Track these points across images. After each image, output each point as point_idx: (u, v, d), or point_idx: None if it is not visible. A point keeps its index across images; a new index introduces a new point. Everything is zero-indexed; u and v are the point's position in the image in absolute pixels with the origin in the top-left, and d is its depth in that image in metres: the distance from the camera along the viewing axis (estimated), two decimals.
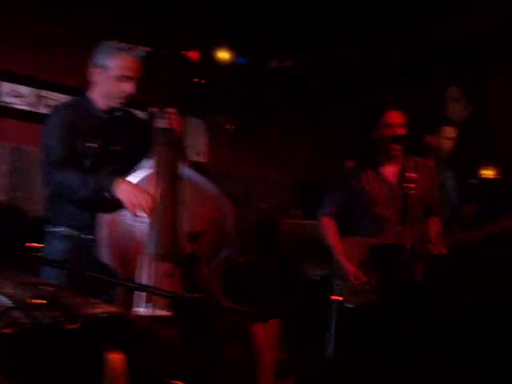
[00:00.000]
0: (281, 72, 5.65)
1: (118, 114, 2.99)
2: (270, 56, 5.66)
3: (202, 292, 1.74)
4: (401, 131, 3.39)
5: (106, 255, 2.69)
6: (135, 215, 2.62)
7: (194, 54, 5.23)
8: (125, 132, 3.02)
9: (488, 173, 4.37)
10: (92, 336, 1.69)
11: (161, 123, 2.85)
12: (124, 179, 2.73)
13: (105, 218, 2.73)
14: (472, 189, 4.15)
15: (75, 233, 2.89)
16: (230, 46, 5.36)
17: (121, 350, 1.72)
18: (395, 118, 3.45)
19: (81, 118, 2.90)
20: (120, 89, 2.87)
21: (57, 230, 2.92)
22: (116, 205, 2.67)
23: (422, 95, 5.31)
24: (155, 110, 2.86)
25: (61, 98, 4.39)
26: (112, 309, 1.80)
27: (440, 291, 3.63)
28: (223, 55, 5.37)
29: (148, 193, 2.65)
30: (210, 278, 2.70)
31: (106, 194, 2.66)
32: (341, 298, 3.47)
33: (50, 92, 4.61)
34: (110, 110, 2.96)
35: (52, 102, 4.41)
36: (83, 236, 2.87)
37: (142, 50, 2.58)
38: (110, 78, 2.85)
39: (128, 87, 2.86)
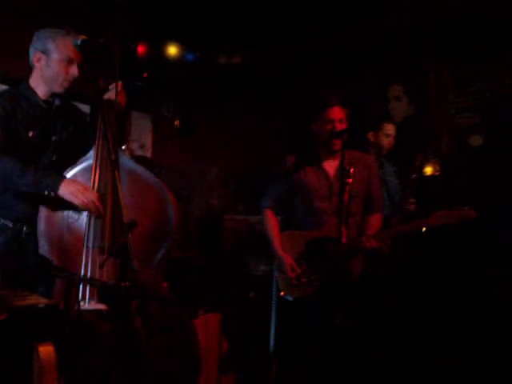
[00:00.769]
0: (228, 68, 5.66)
1: (58, 103, 2.93)
2: (219, 52, 5.66)
3: (133, 283, 1.72)
4: (341, 126, 3.43)
5: (45, 248, 2.68)
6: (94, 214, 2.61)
7: (141, 48, 5.23)
8: (64, 121, 2.96)
9: (428, 169, 4.46)
10: (20, 327, 1.67)
11: (106, 95, 2.82)
12: (69, 179, 2.69)
13: (45, 212, 2.71)
14: (412, 185, 4.23)
15: (9, 224, 2.80)
16: (178, 41, 5.33)
17: (51, 342, 1.71)
18: (336, 113, 3.48)
19: (20, 106, 2.82)
20: (64, 71, 2.81)
21: None
22: (53, 199, 2.64)
23: (364, 92, 5.39)
24: (100, 82, 2.79)
25: None
26: (41, 300, 1.78)
27: (376, 284, 3.70)
28: (171, 50, 5.34)
29: (92, 190, 2.64)
30: (151, 271, 2.71)
31: (47, 192, 2.61)
32: (282, 293, 3.51)
33: None
34: (51, 99, 2.90)
35: None
36: (19, 228, 2.80)
37: (77, 38, 2.52)
38: (54, 61, 2.80)
39: (72, 70, 2.82)
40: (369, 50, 5.23)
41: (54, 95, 2.90)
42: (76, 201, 2.59)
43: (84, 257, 2.57)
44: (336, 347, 3.22)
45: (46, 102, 2.89)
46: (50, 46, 2.80)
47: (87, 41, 2.48)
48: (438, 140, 5.28)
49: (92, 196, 2.60)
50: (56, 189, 2.60)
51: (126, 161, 2.80)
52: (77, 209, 2.64)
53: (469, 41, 4.91)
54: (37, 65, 2.85)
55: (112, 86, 2.82)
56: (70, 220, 2.71)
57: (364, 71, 5.43)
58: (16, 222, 2.80)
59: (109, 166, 2.60)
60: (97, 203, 2.60)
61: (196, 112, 5.69)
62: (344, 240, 3.14)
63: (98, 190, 2.66)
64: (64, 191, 2.60)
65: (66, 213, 2.71)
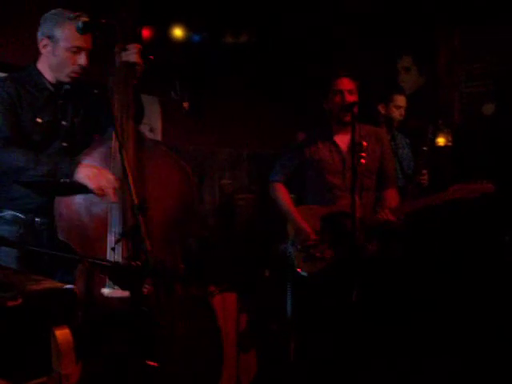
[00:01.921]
0: (236, 47, 5.61)
1: (68, 86, 2.77)
2: (226, 32, 5.61)
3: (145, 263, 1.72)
4: (351, 98, 3.40)
5: (63, 233, 2.58)
6: (102, 197, 2.50)
7: (146, 31, 5.19)
8: (75, 106, 2.82)
9: (440, 140, 4.42)
10: (35, 312, 1.68)
11: (124, 56, 2.64)
12: (84, 163, 2.56)
13: (62, 201, 2.61)
14: (424, 156, 4.19)
15: (22, 216, 2.70)
16: (184, 23, 5.29)
17: (66, 325, 1.71)
18: (345, 84, 3.46)
19: (26, 91, 2.67)
20: (71, 61, 2.66)
21: (1, 214, 2.72)
22: (69, 187, 2.55)
23: (374, 64, 5.33)
24: (120, 45, 2.64)
25: None
26: (55, 284, 1.78)
27: (393, 259, 3.67)
28: (177, 32, 5.31)
29: (109, 173, 2.52)
30: (172, 251, 2.68)
31: (63, 180, 2.50)
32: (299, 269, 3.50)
33: None
34: (59, 83, 2.75)
35: None
36: (31, 219, 2.71)
37: (78, 20, 2.37)
38: (60, 49, 2.64)
39: (81, 59, 2.66)
40: (376, 21, 5.16)
41: (61, 83, 2.76)
42: (91, 184, 2.47)
43: (108, 242, 2.48)
44: (352, 322, 3.22)
45: (54, 85, 2.75)
46: (57, 32, 2.63)
47: (89, 23, 2.34)
48: (450, 110, 5.22)
49: (109, 180, 2.49)
50: (72, 174, 2.49)
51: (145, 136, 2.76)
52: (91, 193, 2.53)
53: (479, 7, 4.83)
54: (43, 51, 2.70)
55: (131, 46, 2.66)
56: (89, 204, 2.60)
57: (372, 43, 5.36)
58: (27, 213, 2.70)
59: (130, 145, 2.56)
60: (113, 187, 2.47)
61: (205, 93, 5.66)
62: (358, 214, 3.11)
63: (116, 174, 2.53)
64: (79, 175, 2.49)
65: (85, 197, 2.59)
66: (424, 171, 4.12)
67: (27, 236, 2.69)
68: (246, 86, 5.75)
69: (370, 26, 5.23)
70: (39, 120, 2.67)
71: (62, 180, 2.50)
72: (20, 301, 1.63)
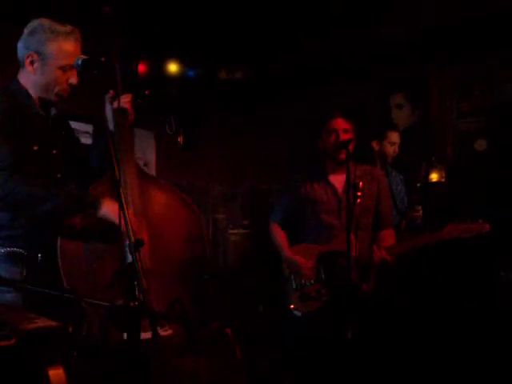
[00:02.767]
0: (229, 84, 5.67)
1: (54, 111, 2.58)
2: (220, 68, 5.67)
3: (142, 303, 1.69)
4: (345, 137, 3.40)
5: (71, 278, 2.38)
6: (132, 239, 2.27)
7: (141, 67, 5.24)
8: (62, 134, 2.64)
9: (434, 176, 4.44)
10: (29, 351, 1.65)
11: (115, 104, 2.49)
12: (108, 198, 2.39)
13: (68, 245, 2.39)
14: (418, 193, 4.20)
15: (23, 253, 2.45)
16: (178, 59, 5.34)
17: (61, 365, 1.68)
18: (339, 123, 3.48)
19: (18, 113, 2.40)
20: (61, 79, 2.44)
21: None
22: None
23: (366, 101, 5.38)
24: (111, 92, 2.53)
25: None
26: (49, 323, 1.75)
27: (388, 298, 3.64)
28: (172, 67, 5.35)
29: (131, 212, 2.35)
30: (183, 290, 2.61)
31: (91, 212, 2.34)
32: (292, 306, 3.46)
33: None
34: (47, 106, 2.54)
35: None
36: (32, 257, 2.46)
37: (78, 58, 2.29)
38: (50, 67, 2.42)
39: (72, 78, 2.45)
40: (367, 59, 5.23)
41: (47, 103, 2.54)
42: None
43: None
44: (347, 362, 3.17)
45: (42, 108, 2.53)
46: (48, 48, 2.41)
47: (88, 60, 2.28)
48: (443, 146, 5.26)
49: (136, 219, 2.35)
50: (96, 208, 2.34)
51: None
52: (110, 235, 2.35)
53: (469, 45, 4.90)
54: (29, 68, 2.45)
55: (123, 96, 2.56)
56: (98, 247, 2.41)
57: (364, 81, 5.43)
58: (30, 250, 2.46)
59: (138, 181, 2.50)
60: (138, 225, 2.32)
61: (199, 128, 5.69)
62: (354, 253, 3.09)
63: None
64: (105, 210, 2.35)
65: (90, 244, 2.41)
66: (418, 207, 4.12)
67: (29, 275, 2.45)
68: (240, 122, 5.80)
69: (363, 64, 5.30)
70: (36, 147, 2.43)
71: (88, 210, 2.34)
72: (13, 340, 1.60)
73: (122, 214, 2.03)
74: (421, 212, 4.14)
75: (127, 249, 2.28)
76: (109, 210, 2.35)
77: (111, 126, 2.57)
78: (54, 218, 2.38)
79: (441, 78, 5.34)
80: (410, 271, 3.95)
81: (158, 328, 2.28)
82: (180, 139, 5.58)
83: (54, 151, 2.54)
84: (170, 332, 2.38)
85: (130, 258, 2.27)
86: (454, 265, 4.47)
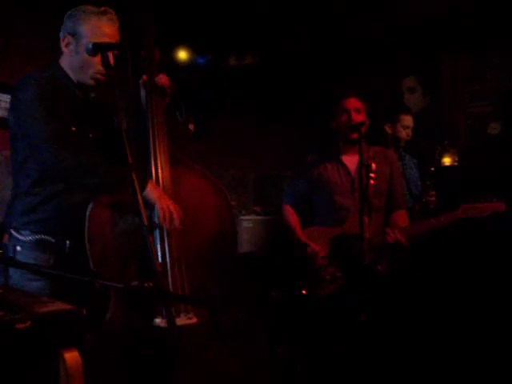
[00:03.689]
0: (240, 70, 5.65)
1: (93, 94, 2.57)
2: (230, 54, 5.65)
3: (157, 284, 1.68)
4: (357, 117, 3.38)
5: (98, 260, 2.31)
6: (168, 225, 2.35)
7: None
8: (100, 117, 2.59)
9: (447, 160, 4.41)
10: (44, 334, 1.65)
11: (156, 79, 2.55)
12: (153, 181, 2.41)
13: (99, 218, 2.34)
14: (432, 177, 4.17)
15: (51, 239, 2.44)
16: (189, 46, 5.32)
17: (76, 348, 1.69)
18: (352, 103, 3.46)
19: (58, 94, 2.40)
20: (95, 61, 2.41)
21: (27, 237, 2.43)
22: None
23: (379, 84, 5.35)
24: (144, 77, 2.56)
25: None
26: (64, 306, 1.75)
27: (403, 280, 3.62)
28: (182, 54, 5.34)
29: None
30: (211, 275, 2.57)
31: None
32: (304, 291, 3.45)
33: None
34: (85, 89, 2.53)
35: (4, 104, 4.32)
36: (60, 243, 2.44)
37: (89, 42, 2.23)
38: (82, 47, 2.38)
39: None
40: (381, 42, 5.19)
41: (86, 87, 2.52)
42: (160, 204, 2.33)
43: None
44: (361, 345, 3.16)
45: (82, 91, 2.52)
46: (81, 28, 2.40)
47: (99, 45, 2.24)
48: (456, 130, 5.23)
49: (175, 206, 2.37)
50: (143, 188, 2.30)
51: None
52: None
53: (481, 29, 4.85)
54: (65, 50, 2.47)
55: (161, 76, 2.58)
56: (128, 227, 2.37)
57: (376, 64, 5.39)
58: (58, 236, 2.44)
59: (170, 165, 2.48)
60: (178, 214, 2.36)
61: (210, 115, 5.68)
62: (367, 235, 3.07)
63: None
64: (151, 192, 2.34)
65: (123, 220, 2.37)
66: (432, 192, 4.10)
67: (56, 261, 2.43)
68: (252, 108, 5.77)
69: (376, 47, 5.26)
70: (74, 128, 2.42)
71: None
72: (29, 323, 1.61)
73: (137, 198, 2.01)
74: (434, 197, 4.12)
75: (157, 236, 2.37)
76: (153, 192, 2.34)
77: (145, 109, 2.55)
78: (100, 192, 2.37)
79: (453, 61, 5.30)
80: (424, 253, 3.93)
81: (183, 315, 2.30)
82: (191, 127, 5.57)
83: (90, 135, 2.51)
84: (195, 320, 2.34)
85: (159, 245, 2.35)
86: (469, 246, 4.45)
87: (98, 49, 2.24)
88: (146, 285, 1.50)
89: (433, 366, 3.77)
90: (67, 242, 2.45)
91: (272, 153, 6.01)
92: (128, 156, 2.13)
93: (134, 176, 2.08)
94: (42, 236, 2.43)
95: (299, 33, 5.14)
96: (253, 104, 5.75)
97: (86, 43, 2.35)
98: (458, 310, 4.15)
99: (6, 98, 4.41)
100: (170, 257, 2.36)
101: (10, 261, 2.34)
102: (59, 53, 2.52)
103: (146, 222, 1.98)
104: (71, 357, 1.66)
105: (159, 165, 2.48)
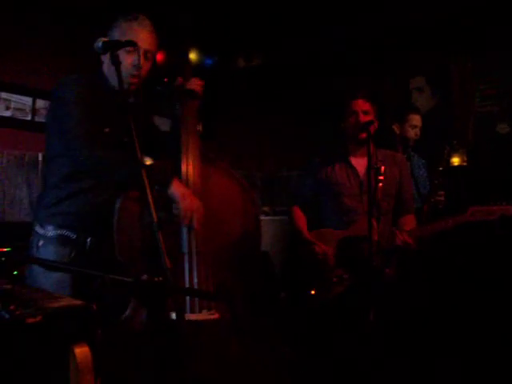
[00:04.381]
0: (247, 71, 5.65)
1: (132, 100, 2.65)
2: (238, 56, 5.66)
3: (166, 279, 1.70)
4: (365, 118, 3.37)
5: (124, 254, 2.41)
6: (186, 223, 2.44)
7: (159, 55, 5.24)
8: (137, 122, 2.53)
9: (455, 160, 4.39)
10: (55, 329, 1.66)
11: (187, 85, 2.77)
12: (178, 179, 2.49)
13: (125, 219, 2.44)
14: (440, 177, 4.15)
15: (72, 236, 2.53)
16: (197, 47, 5.33)
17: (86, 343, 1.70)
18: (360, 105, 3.45)
19: (97, 95, 2.52)
20: (126, 62, 2.49)
21: (49, 232, 2.53)
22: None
23: (388, 84, 5.35)
24: (179, 79, 2.79)
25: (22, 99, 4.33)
26: (74, 302, 1.77)
27: (411, 283, 3.60)
28: (190, 56, 5.34)
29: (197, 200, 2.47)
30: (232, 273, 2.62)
31: (157, 189, 2.36)
32: (312, 292, 3.44)
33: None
34: (124, 95, 2.56)
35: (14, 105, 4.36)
36: (81, 240, 2.53)
37: (98, 41, 2.23)
38: (122, 54, 2.42)
39: (134, 58, 2.50)
40: (390, 42, 5.19)
41: (125, 92, 2.56)
42: (183, 202, 2.41)
43: (187, 264, 2.44)
44: (369, 346, 3.15)
45: (120, 96, 2.52)
46: (113, 32, 2.54)
47: (108, 42, 2.24)
48: (464, 130, 5.21)
49: (198, 206, 2.45)
50: (168, 185, 2.41)
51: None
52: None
53: (490, 29, 4.84)
54: (102, 57, 2.58)
55: (195, 79, 2.80)
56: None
57: (385, 65, 5.39)
58: (80, 232, 2.53)
59: (200, 164, 2.58)
60: (200, 214, 2.45)
61: (218, 116, 5.69)
62: (376, 238, 3.06)
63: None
64: (175, 190, 2.42)
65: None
66: (441, 192, 4.08)
67: (77, 258, 2.51)
68: (260, 109, 5.78)
69: (385, 47, 5.25)
70: (107, 130, 2.52)
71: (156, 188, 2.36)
72: (40, 318, 1.62)
73: (149, 194, 2.03)
74: (443, 197, 4.10)
75: (184, 231, 2.47)
76: (178, 190, 2.43)
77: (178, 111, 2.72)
78: (128, 187, 2.46)
79: (462, 61, 5.28)
80: (432, 255, 3.91)
81: (206, 311, 2.38)
82: (199, 127, 5.58)
83: (126, 139, 2.46)
84: (216, 316, 2.39)
85: (186, 241, 2.45)
86: (477, 250, 4.42)
87: (108, 47, 2.24)
88: (156, 279, 1.52)
89: (441, 368, 3.76)
90: (89, 239, 2.54)
91: (280, 153, 6.01)
92: (138, 153, 2.14)
93: (145, 175, 2.08)
94: (64, 231, 2.52)
95: (307, 33, 5.14)
96: (261, 105, 5.76)
97: (125, 50, 2.46)
98: (466, 313, 4.13)
99: (17, 98, 4.47)
100: (196, 251, 2.46)
101: (26, 258, 2.43)
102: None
103: (155, 219, 1.99)
104: (81, 352, 1.67)
105: (190, 163, 2.60)
